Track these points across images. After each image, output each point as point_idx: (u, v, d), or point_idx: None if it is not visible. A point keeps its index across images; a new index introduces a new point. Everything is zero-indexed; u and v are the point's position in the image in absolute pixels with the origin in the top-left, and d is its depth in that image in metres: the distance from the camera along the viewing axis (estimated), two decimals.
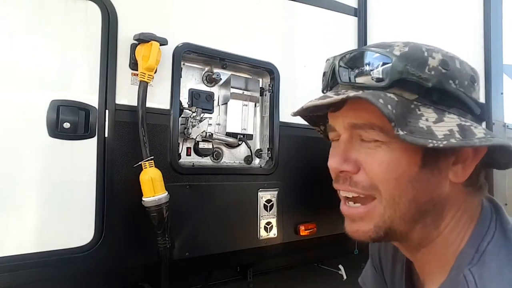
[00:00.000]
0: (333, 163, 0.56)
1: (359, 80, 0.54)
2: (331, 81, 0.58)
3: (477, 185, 0.57)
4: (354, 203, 0.56)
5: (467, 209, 0.56)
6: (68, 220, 1.16)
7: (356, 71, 0.54)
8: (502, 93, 2.24)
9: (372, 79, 0.52)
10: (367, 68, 0.53)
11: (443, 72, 0.51)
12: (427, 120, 0.50)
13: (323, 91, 0.62)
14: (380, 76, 0.51)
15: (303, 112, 0.60)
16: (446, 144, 0.47)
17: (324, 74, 0.61)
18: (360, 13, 1.99)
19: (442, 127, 0.50)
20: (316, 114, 0.63)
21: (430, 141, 0.48)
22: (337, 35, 1.93)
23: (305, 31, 1.81)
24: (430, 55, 0.52)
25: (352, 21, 1.99)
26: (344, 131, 0.56)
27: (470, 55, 2.19)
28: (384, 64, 0.51)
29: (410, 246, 0.59)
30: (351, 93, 0.51)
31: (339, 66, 0.56)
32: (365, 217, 0.55)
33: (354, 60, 0.55)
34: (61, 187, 1.15)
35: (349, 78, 0.55)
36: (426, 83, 0.50)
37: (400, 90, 0.51)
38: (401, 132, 0.48)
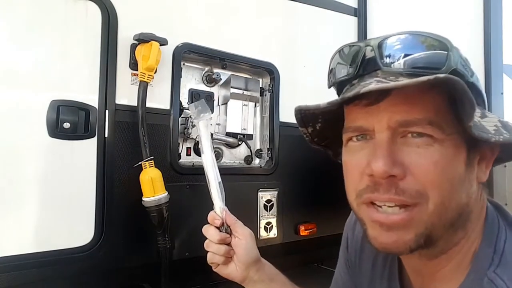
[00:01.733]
0: (382, 165, 0.46)
1: (408, 66, 0.47)
2: (360, 68, 0.51)
3: (484, 183, 0.54)
4: (392, 209, 0.48)
5: (483, 208, 0.54)
6: (68, 220, 1.16)
7: (406, 56, 0.47)
8: (502, 93, 2.24)
9: (426, 66, 0.46)
10: (419, 53, 0.47)
11: (469, 68, 0.49)
12: (475, 115, 0.46)
13: (337, 84, 0.55)
14: (437, 63, 0.46)
15: (327, 106, 0.50)
16: (504, 139, 0.45)
17: (343, 58, 0.53)
18: (360, 13, 1.99)
19: (489, 122, 0.47)
20: (311, 112, 0.55)
21: (491, 135, 0.45)
22: (337, 35, 1.93)
23: (305, 31, 1.81)
24: (459, 50, 0.49)
25: (352, 21, 1.99)
26: (385, 129, 0.47)
27: (470, 55, 2.19)
28: (434, 49, 0.47)
29: (431, 252, 0.52)
30: (424, 77, 0.41)
31: (380, 50, 0.49)
32: (408, 225, 0.47)
33: (396, 45, 0.48)
34: (61, 187, 1.15)
35: (395, 63, 0.48)
36: (468, 76, 0.48)
37: None
38: (472, 124, 0.43)
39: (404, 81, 0.43)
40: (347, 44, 0.54)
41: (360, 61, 0.51)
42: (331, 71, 0.57)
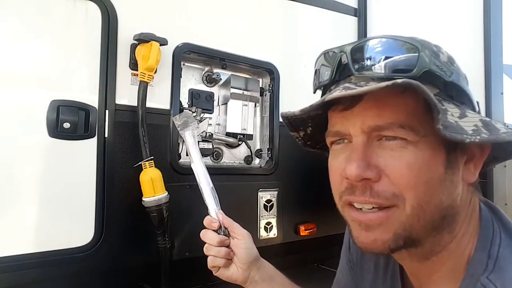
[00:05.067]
0: (355, 169, 0.47)
1: (379, 70, 0.47)
2: (336, 74, 0.51)
3: (476, 184, 0.54)
4: (370, 209, 0.49)
5: (474, 210, 0.53)
6: (68, 220, 1.16)
7: (373, 59, 0.48)
8: (502, 93, 2.24)
9: (398, 69, 0.46)
10: (385, 57, 0.47)
11: (452, 67, 0.49)
12: (452, 115, 0.47)
13: (319, 88, 0.56)
14: (407, 66, 0.46)
15: (306, 111, 0.52)
16: (481, 139, 0.44)
17: (321, 66, 0.54)
18: (360, 13, 1.99)
19: (468, 122, 0.46)
20: (300, 117, 0.56)
21: (466, 136, 0.44)
22: (337, 35, 1.93)
23: (305, 31, 1.81)
24: (439, 50, 0.49)
25: (352, 21, 1.99)
26: (360, 133, 0.48)
27: (470, 55, 2.19)
28: (406, 52, 0.46)
29: (420, 253, 0.53)
30: (383, 83, 0.42)
31: (352, 56, 0.49)
32: (384, 223, 0.48)
33: (368, 49, 0.48)
34: (61, 187, 1.15)
35: (368, 65, 0.48)
36: (446, 76, 0.48)
37: (423, 83, 0.43)
38: (440, 126, 0.42)
39: (367, 86, 0.43)
40: (325, 51, 0.54)
41: (336, 67, 0.51)
42: (315, 72, 0.57)
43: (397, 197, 0.47)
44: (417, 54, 0.46)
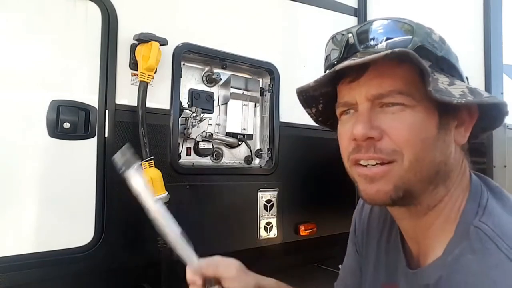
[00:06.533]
0: (360, 129, 0.54)
1: (382, 45, 0.55)
2: (344, 52, 0.59)
3: (466, 148, 0.61)
4: (373, 166, 0.56)
5: (465, 170, 0.61)
6: (68, 220, 1.16)
7: (376, 38, 0.55)
8: (502, 93, 2.24)
9: (398, 43, 0.54)
10: (386, 36, 0.55)
11: (443, 46, 0.57)
12: (442, 83, 0.54)
13: (328, 68, 0.62)
14: (404, 43, 0.53)
15: (318, 84, 0.59)
16: (466, 101, 0.51)
17: (332, 46, 0.62)
18: (360, 13, 1.99)
19: (456, 88, 0.53)
20: (313, 94, 0.64)
21: (453, 98, 0.51)
22: None
23: (305, 31, 1.81)
24: (432, 31, 0.56)
25: (352, 21, 1.99)
26: (365, 101, 0.56)
27: (470, 55, 2.19)
28: (403, 33, 0.54)
29: (419, 210, 0.59)
30: (383, 52, 0.50)
31: (358, 37, 0.57)
32: (386, 176, 0.55)
33: (372, 30, 0.56)
34: (61, 187, 1.15)
35: (372, 44, 0.56)
36: (437, 51, 0.55)
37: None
38: (432, 89, 0.49)
39: (367, 57, 0.51)
40: (333, 35, 0.63)
41: (344, 46, 0.59)
42: (326, 58, 0.65)
43: (396, 153, 0.54)
44: (412, 32, 0.54)
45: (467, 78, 0.61)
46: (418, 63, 0.49)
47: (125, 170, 0.74)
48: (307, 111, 0.71)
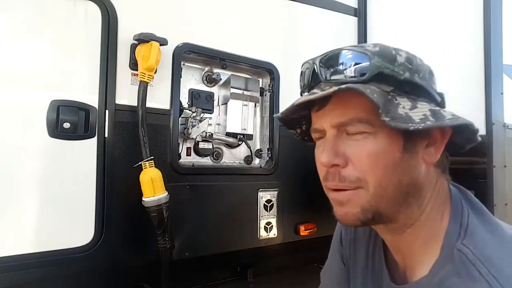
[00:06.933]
0: (325, 157, 0.57)
1: (340, 76, 0.57)
2: (311, 81, 0.62)
3: (443, 165, 0.63)
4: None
5: (441, 187, 0.62)
6: (68, 220, 1.16)
7: (337, 68, 0.58)
8: (502, 93, 2.23)
9: (354, 75, 0.56)
10: (347, 65, 0.57)
11: (410, 67, 0.58)
12: (403, 107, 0.55)
13: (302, 93, 0.65)
14: (361, 72, 0.56)
15: (289, 112, 0.62)
16: (424, 126, 0.52)
17: (302, 74, 0.65)
18: (360, 13, 2.00)
19: (417, 112, 0.55)
20: (293, 117, 0.67)
21: (410, 124, 0.52)
22: (337, 35, 1.93)
23: (305, 31, 1.81)
24: (397, 53, 0.58)
25: (352, 21, 1.99)
26: (330, 128, 0.58)
27: (470, 55, 2.19)
28: (362, 60, 0.56)
29: (397, 227, 0.61)
30: (332, 88, 0.54)
31: (320, 65, 0.60)
32: (352, 199, 0.57)
33: (334, 59, 0.59)
34: (61, 187, 1.15)
35: (331, 75, 0.58)
36: (399, 76, 0.56)
37: (378, 83, 0.55)
38: (386, 118, 0.51)
39: (320, 92, 0.55)
40: (306, 61, 0.64)
41: (310, 75, 0.62)
42: (300, 78, 0.67)
43: (360, 181, 0.56)
44: (368, 61, 0.56)
45: (441, 94, 0.62)
46: (366, 97, 0.51)
47: None
48: (292, 132, 0.74)
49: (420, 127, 0.52)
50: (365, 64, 0.56)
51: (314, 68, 0.61)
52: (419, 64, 0.59)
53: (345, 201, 0.58)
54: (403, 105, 0.55)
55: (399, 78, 0.56)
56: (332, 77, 0.58)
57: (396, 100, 0.56)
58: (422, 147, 0.58)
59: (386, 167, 0.55)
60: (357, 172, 0.56)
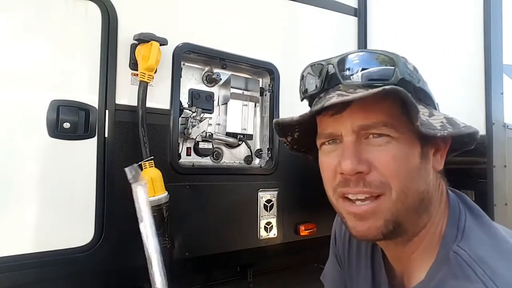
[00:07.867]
0: (349, 164, 0.54)
1: (357, 75, 0.55)
2: (325, 83, 0.59)
3: (441, 171, 0.63)
4: (362, 201, 0.56)
5: (442, 193, 0.62)
6: (68, 220, 1.16)
7: (357, 71, 0.56)
8: (502, 93, 2.23)
9: (380, 78, 0.55)
10: (372, 68, 0.55)
11: (418, 74, 0.58)
12: (423, 114, 0.55)
13: (307, 98, 0.63)
14: (386, 76, 0.54)
15: (308, 116, 0.58)
16: (447, 133, 0.53)
17: (303, 78, 0.63)
18: (360, 13, 1.99)
19: (436, 119, 0.55)
20: (289, 123, 0.64)
21: (437, 131, 0.53)
22: (337, 35, 1.93)
23: (305, 31, 1.81)
24: (406, 61, 0.57)
25: (352, 21, 1.99)
26: (350, 133, 0.56)
27: (470, 55, 2.19)
28: (386, 64, 0.55)
29: (405, 238, 0.60)
30: (375, 89, 0.50)
31: (339, 67, 0.57)
32: (376, 212, 0.55)
33: (351, 62, 0.57)
34: (61, 187, 1.15)
35: (347, 74, 0.56)
36: (415, 82, 0.56)
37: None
38: (418, 123, 0.51)
39: (360, 93, 0.51)
40: (311, 63, 0.62)
41: (324, 77, 0.59)
42: (302, 89, 0.65)
43: (384, 185, 0.55)
44: (394, 66, 0.55)
45: (437, 104, 0.63)
46: (408, 100, 0.50)
47: (133, 183, 0.81)
48: (282, 140, 0.72)
49: (445, 134, 0.52)
50: (389, 68, 0.54)
51: (328, 69, 0.58)
52: (421, 74, 0.59)
53: (367, 215, 0.56)
54: (422, 112, 0.55)
55: (415, 85, 0.56)
56: (354, 80, 0.56)
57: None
58: (431, 155, 0.58)
59: (409, 173, 0.55)
60: (382, 176, 0.54)
